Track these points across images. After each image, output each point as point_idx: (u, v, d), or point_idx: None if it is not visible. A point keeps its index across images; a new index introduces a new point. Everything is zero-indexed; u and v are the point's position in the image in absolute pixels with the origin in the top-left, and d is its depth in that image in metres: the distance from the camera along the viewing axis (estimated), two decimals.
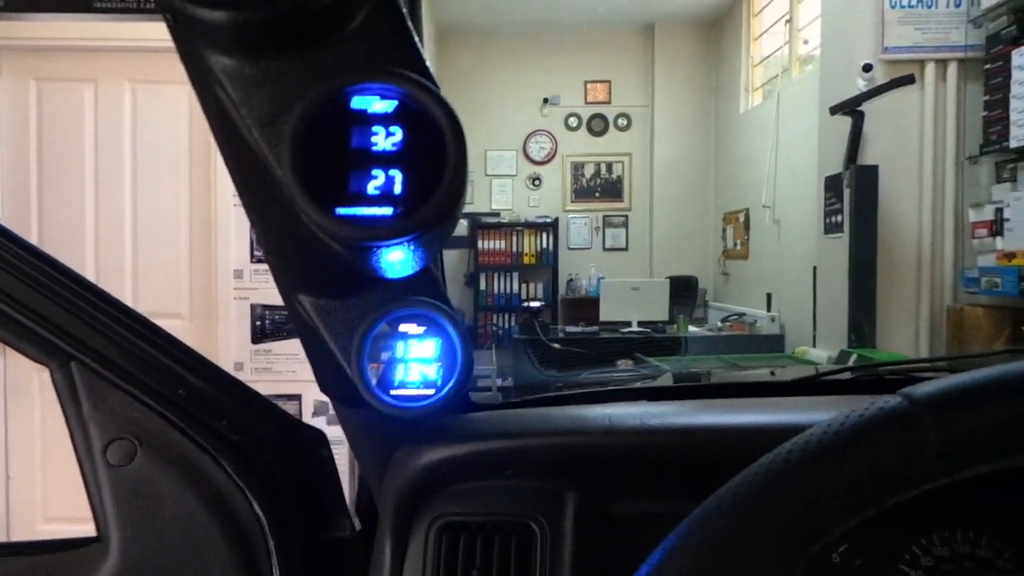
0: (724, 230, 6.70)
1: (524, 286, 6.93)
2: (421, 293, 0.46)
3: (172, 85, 2.54)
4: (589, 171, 7.25)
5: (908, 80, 3.30)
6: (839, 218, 3.74)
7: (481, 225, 6.88)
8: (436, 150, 0.32)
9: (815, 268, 4.24)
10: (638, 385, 0.92)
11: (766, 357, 4.30)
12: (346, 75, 0.32)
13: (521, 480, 0.59)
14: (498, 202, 7.19)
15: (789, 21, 5.48)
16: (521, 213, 7.07)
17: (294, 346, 2.47)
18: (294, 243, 0.40)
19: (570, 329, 5.35)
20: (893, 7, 3.48)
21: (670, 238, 7.07)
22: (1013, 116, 3.02)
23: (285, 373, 2.57)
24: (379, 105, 0.33)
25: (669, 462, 0.57)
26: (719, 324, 5.57)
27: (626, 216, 7.24)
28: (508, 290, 6.90)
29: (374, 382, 0.46)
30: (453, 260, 7.13)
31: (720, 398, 0.72)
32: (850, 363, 2.76)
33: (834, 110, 3.58)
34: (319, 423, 2.44)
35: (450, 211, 0.33)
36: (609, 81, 7.18)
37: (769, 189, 5.55)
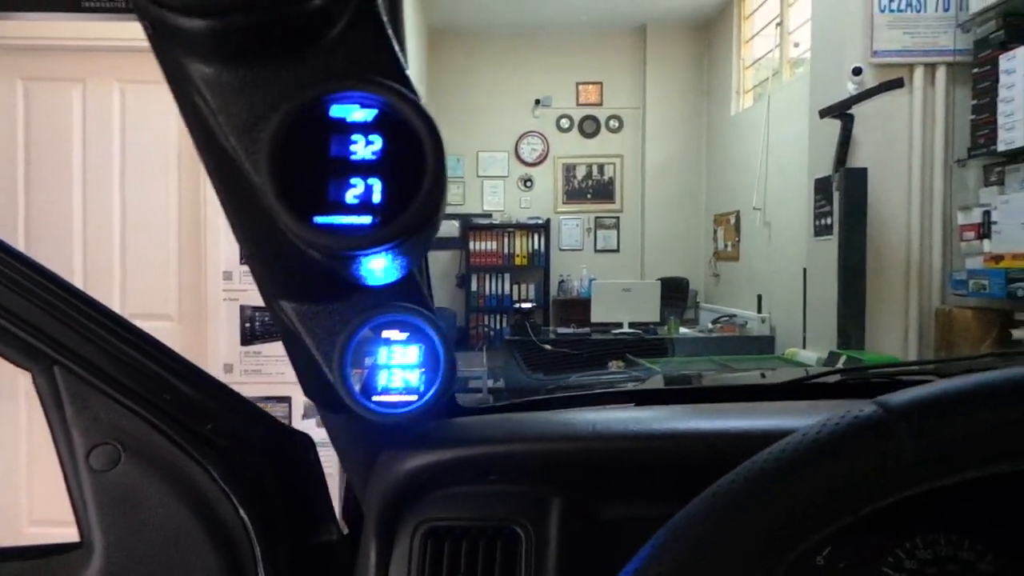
0: (715, 232, 6.72)
1: (516, 287, 6.93)
2: (404, 299, 0.46)
3: (161, 85, 2.47)
4: (581, 172, 7.26)
5: (896, 84, 3.32)
6: (829, 220, 3.76)
7: (472, 226, 6.88)
8: (415, 159, 0.32)
9: (805, 270, 4.27)
10: (626, 388, 0.92)
11: (756, 358, 4.32)
12: (325, 83, 0.32)
13: (506, 485, 0.59)
14: (490, 203, 7.20)
15: (780, 24, 5.51)
16: (513, 214, 7.07)
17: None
18: (274, 249, 0.40)
19: (562, 330, 5.36)
20: (882, 11, 3.50)
21: (661, 239, 7.09)
22: (1000, 120, 3.05)
23: (275, 375, 2.57)
24: (358, 114, 0.33)
25: (654, 467, 0.58)
26: (710, 325, 5.59)
27: (617, 217, 7.25)
28: (500, 291, 6.90)
29: (357, 388, 0.46)
30: (444, 261, 7.13)
31: (708, 402, 0.72)
32: (839, 364, 2.77)
33: (824, 113, 3.60)
34: (309, 425, 2.44)
35: (428, 220, 0.33)
36: (601, 83, 7.19)
37: (760, 191, 5.57)
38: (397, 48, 0.34)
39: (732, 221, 6.27)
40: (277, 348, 2.54)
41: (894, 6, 3.50)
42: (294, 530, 0.68)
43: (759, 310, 5.52)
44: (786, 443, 0.31)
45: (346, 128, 0.33)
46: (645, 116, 7.10)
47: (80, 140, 2.62)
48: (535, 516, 0.58)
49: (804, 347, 4.19)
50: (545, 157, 7.22)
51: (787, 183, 5.06)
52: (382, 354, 0.46)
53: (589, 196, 7.26)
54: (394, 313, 0.45)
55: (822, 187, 3.84)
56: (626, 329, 4.98)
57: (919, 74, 3.52)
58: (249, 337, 2.58)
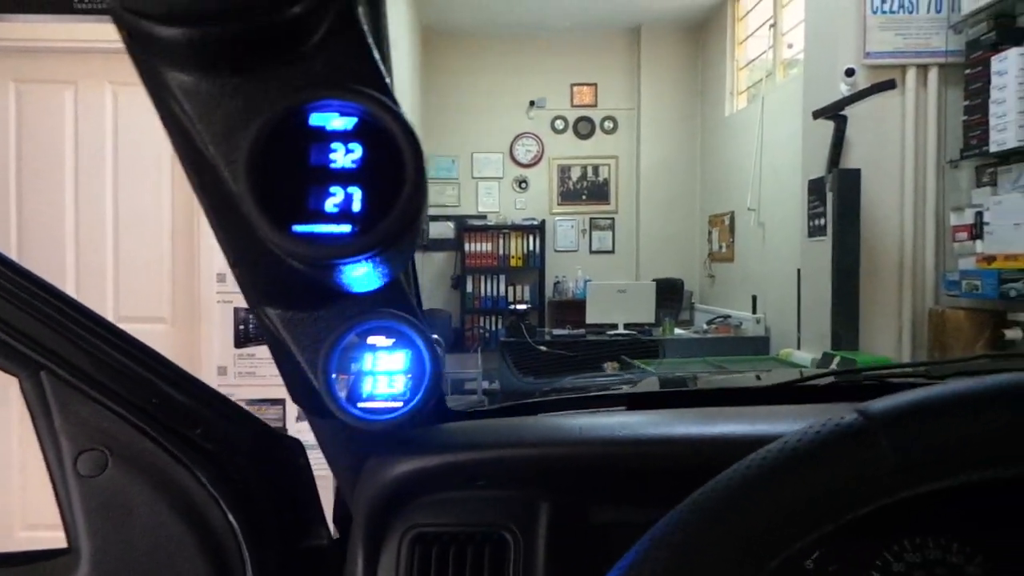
0: (710, 233, 6.73)
1: (511, 288, 6.93)
2: (390, 305, 0.46)
3: None
4: (575, 174, 7.27)
5: (889, 85, 3.33)
6: (822, 221, 3.77)
7: (468, 228, 6.88)
8: (395, 167, 0.32)
9: (799, 271, 4.27)
10: (619, 391, 0.92)
11: (750, 359, 4.32)
12: (304, 92, 0.32)
13: (494, 490, 0.59)
14: (485, 204, 7.20)
15: (773, 25, 5.52)
16: (508, 216, 7.07)
17: None
18: (257, 257, 0.40)
19: (557, 332, 5.36)
20: (875, 12, 3.51)
21: (656, 241, 7.10)
22: (992, 121, 3.06)
23: (269, 377, 2.56)
24: (338, 122, 0.32)
25: (642, 472, 0.58)
26: (705, 326, 5.60)
27: (612, 219, 7.26)
28: (495, 292, 6.90)
29: (342, 394, 0.45)
30: (440, 263, 7.13)
31: (700, 405, 0.72)
32: (833, 365, 2.78)
33: (817, 114, 3.61)
34: (303, 428, 2.43)
35: (408, 228, 0.33)
36: (595, 84, 7.20)
37: (754, 192, 5.59)
38: (378, 56, 0.34)
39: (726, 222, 6.28)
40: None
41: (886, 7, 3.51)
42: (283, 535, 0.68)
43: (754, 311, 5.53)
44: (767, 451, 0.32)
45: (326, 137, 0.33)
46: (640, 117, 7.11)
47: (72, 142, 2.61)
48: (524, 521, 0.57)
49: (799, 348, 4.20)
50: (540, 158, 7.23)
51: (781, 184, 5.08)
52: (367, 360, 0.46)
53: (584, 197, 7.27)
54: (379, 319, 0.45)
55: (815, 188, 3.85)
56: (621, 330, 4.99)
57: (911, 75, 3.53)
58: (243, 339, 2.57)
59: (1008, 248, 3.01)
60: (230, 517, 0.63)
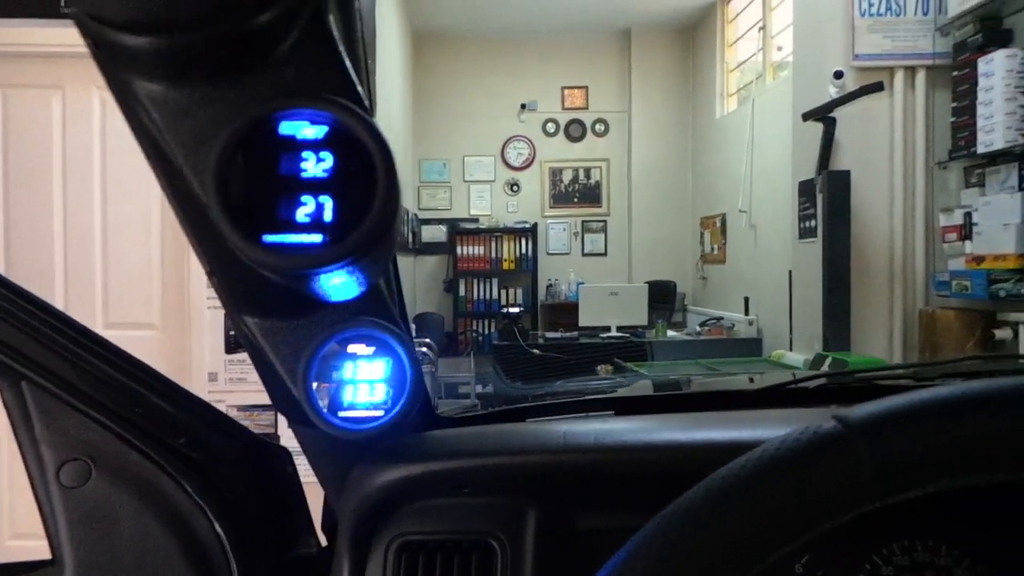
0: (702, 235, 6.75)
1: (504, 291, 6.93)
2: (370, 313, 0.45)
3: None
4: (567, 176, 7.28)
5: (877, 87, 3.35)
6: (813, 223, 3.78)
7: (460, 231, 6.88)
8: (367, 176, 0.32)
9: (791, 272, 4.29)
10: (608, 396, 0.92)
11: (743, 361, 4.33)
12: (274, 101, 0.31)
13: (480, 498, 0.59)
14: (477, 208, 7.20)
15: (763, 28, 5.55)
16: (500, 219, 7.07)
17: None
18: (232, 266, 0.40)
19: (550, 334, 5.36)
20: (863, 15, 3.54)
21: (648, 243, 7.12)
22: (980, 122, 3.08)
23: (260, 383, 2.54)
24: (308, 131, 0.32)
25: (626, 478, 0.57)
26: (698, 328, 5.61)
27: (604, 221, 7.27)
28: (487, 296, 6.90)
29: (323, 403, 0.45)
30: (432, 266, 7.12)
31: (689, 409, 0.72)
32: (824, 366, 2.79)
33: (806, 116, 3.62)
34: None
35: (381, 237, 0.33)
36: (586, 87, 7.21)
37: (745, 194, 5.61)
38: (349, 64, 0.34)
39: (718, 224, 6.30)
40: None
41: (874, 10, 3.53)
42: (271, 544, 0.67)
43: (746, 312, 5.55)
44: (746, 459, 0.31)
45: (296, 146, 0.32)
46: (631, 120, 7.13)
47: (60, 147, 2.59)
48: (510, 529, 0.57)
49: (791, 349, 4.21)
50: (531, 161, 7.23)
51: (772, 186, 5.10)
52: (348, 369, 0.46)
53: (576, 200, 7.28)
54: (359, 328, 0.45)
55: (806, 189, 3.86)
56: (614, 333, 4.99)
57: (899, 77, 3.56)
58: (233, 345, 2.56)
59: (997, 248, 3.03)
60: (217, 527, 0.63)
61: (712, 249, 6.49)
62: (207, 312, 2.54)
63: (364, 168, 0.32)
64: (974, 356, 2.43)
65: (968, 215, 3.24)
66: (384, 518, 0.59)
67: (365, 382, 0.46)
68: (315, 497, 0.71)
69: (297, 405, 0.46)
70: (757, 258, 5.46)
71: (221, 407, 2.49)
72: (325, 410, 0.45)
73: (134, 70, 0.32)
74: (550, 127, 7.23)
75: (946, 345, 3.32)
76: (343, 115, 0.31)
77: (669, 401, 0.86)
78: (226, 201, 0.31)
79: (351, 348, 0.45)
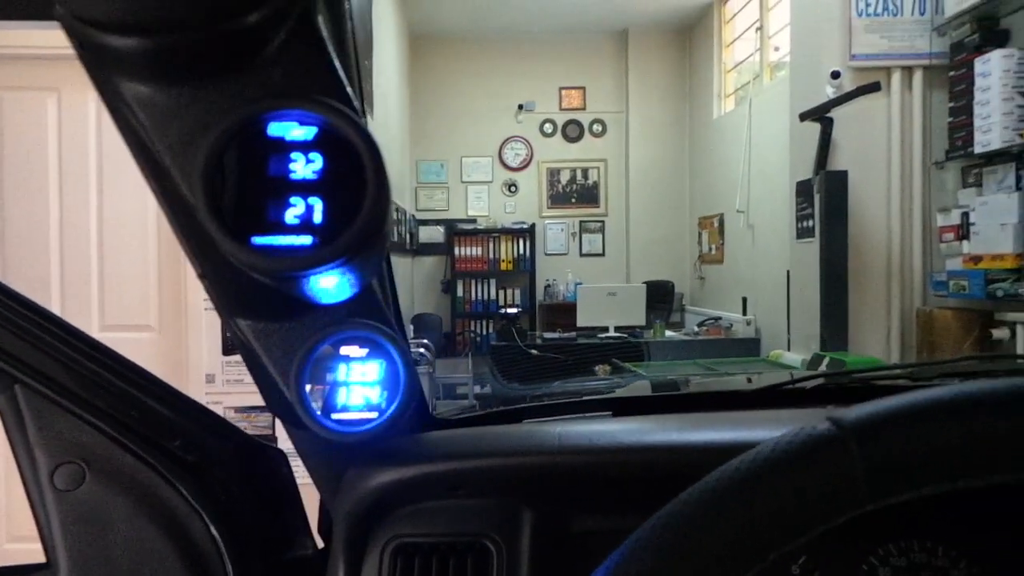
0: (699, 235, 6.75)
1: (501, 292, 6.93)
2: (363, 315, 0.45)
3: None
4: (565, 177, 7.28)
5: (874, 87, 3.35)
6: (810, 223, 3.78)
7: (457, 232, 6.88)
8: (357, 177, 0.32)
9: (788, 272, 4.29)
10: (604, 397, 0.91)
11: (741, 361, 4.33)
12: (262, 102, 0.31)
13: (476, 499, 0.58)
14: (474, 208, 7.19)
15: (760, 28, 5.55)
16: (497, 219, 7.07)
17: None
18: (222, 268, 0.40)
19: (548, 335, 5.36)
20: (860, 15, 3.54)
21: (646, 243, 7.12)
22: (977, 122, 3.08)
23: None
24: (297, 132, 0.32)
25: (621, 479, 0.57)
26: (696, 328, 5.61)
27: (602, 221, 7.27)
28: (485, 296, 6.89)
29: (316, 405, 0.45)
30: (430, 267, 7.12)
31: (687, 409, 0.72)
32: (823, 366, 2.79)
33: (803, 116, 3.63)
34: None
35: (371, 239, 0.32)
36: (584, 87, 7.21)
37: (743, 194, 5.61)
38: (338, 65, 0.34)
39: (716, 224, 6.30)
40: None
41: (871, 10, 3.53)
42: (267, 546, 0.67)
43: (744, 312, 5.55)
44: (740, 460, 0.31)
45: (285, 147, 0.32)
46: (628, 120, 7.13)
47: (56, 150, 2.59)
48: (506, 530, 0.57)
49: (789, 349, 4.21)
50: (529, 162, 7.23)
51: (769, 186, 5.10)
52: (341, 371, 0.46)
53: (573, 200, 7.28)
54: (352, 330, 0.44)
55: (803, 190, 3.86)
56: (612, 333, 4.99)
57: (897, 77, 3.56)
58: (231, 347, 2.55)
59: (994, 248, 3.03)
60: (212, 530, 0.62)
61: (710, 249, 6.49)
62: (204, 314, 2.54)
63: (354, 169, 0.32)
64: (971, 356, 2.43)
65: (965, 215, 3.24)
66: (379, 520, 0.58)
67: (359, 384, 0.46)
68: (312, 499, 0.71)
69: (291, 407, 0.45)
70: (755, 258, 5.46)
71: (218, 409, 2.49)
72: (319, 412, 0.45)
73: (121, 71, 0.32)
74: (547, 128, 7.23)
75: (943, 345, 3.32)
76: (332, 116, 0.31)
77: (666, 402, 0.86)
78: (214, 203, 0.31)
79: (344, 350, 0.45)
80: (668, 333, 5.26)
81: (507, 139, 7.20)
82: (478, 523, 0.58)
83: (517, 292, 6.96)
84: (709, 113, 6.55)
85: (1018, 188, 2.98)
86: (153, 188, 0.37)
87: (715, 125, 6.43)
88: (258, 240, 0.32)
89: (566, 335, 5.17)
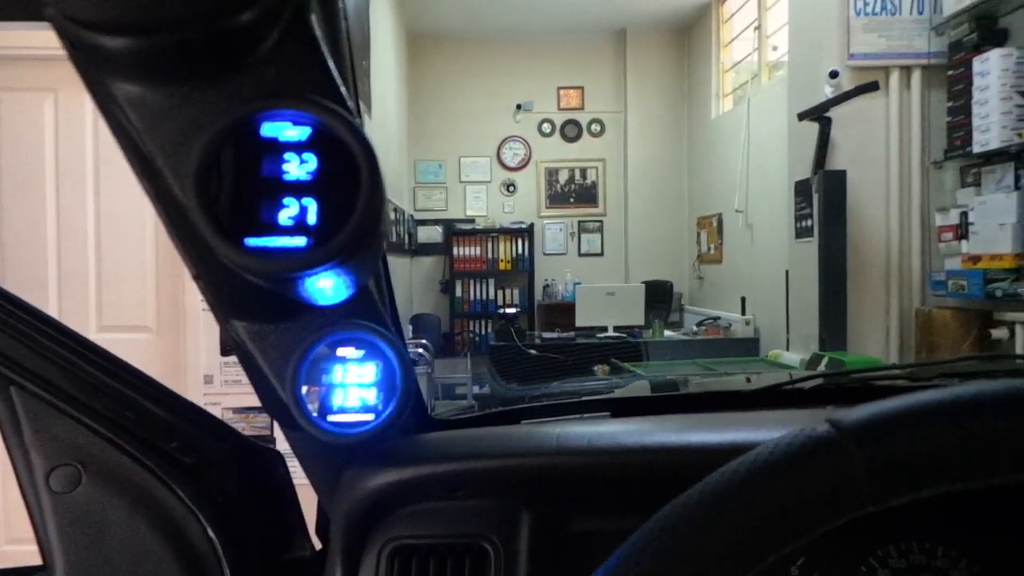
0: (698, 234, 6.75)
1: (500, 292, 6.93)
2: (360, 316, 0.45)
3: None
4: (563, 177, 7.28)
5: (872, 87, 3.36)
6: (809, 222, 3.78)
7: (456, 232, 6.88)
8: (351, 178, 0.31)
9: (787, 272, 4.29)
10: (603, 397, 0.91)
11: (739, 361, 4.33)
12: (255, 102, 0.31)
13: (474, 501, 0.58)
14: (473, 208, 7.19)
15: (758, 28, 5.55)
16: (496, 219, 7.07)
17: None
18: (216, 270, 0.39)
19: (547, 335, 5.36)
20: (858, 14, 3.54)
21: (645, 243, 7.12)
22: (975, 122, 3.08)
23: None
24: (291, 132, 0.32)
25: (619, 481, 0.57)
26: (695, 328, 5.61)
27: (601, 221, 7.27)
28: (484, 296, 6.89)
29: (313, 407, 0.45)
30: (428, 267, 7.12)
31: (686, 410, 0.72)
32: (821, 366, 2.79)
33: (802, 116, 3.63)
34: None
35: (366, 239, 0.32)
36: (582, 87, 7.21)
37: (741, 194, 5.61)
38: (332, 64, 0.33)
39: (715, 223, 6.30)
40: None
41: (869, 9, 3.53)
42: (264, 548, 0.67)
43: (743, 312, 5.55)
44: (739, 462, 0.31)
45: (278, 147, 0.32)
46: (626, 120, 7.13)
47: (53, 150, 2.58)
48: (504, 532, 0.57)
49: (788, 349, 4.21)
50: (527, 161, 7.23)
51: (768, 185, 5.10)
52: (337, 373, 0.45)
53: (572, 200, 7.28)
54: (348, 331, 0.44)
55: (802, 189, 3.86)
56: (611, 333, 4.99)
57: (895, 77, 3.56)
58: (228, 347, 2.55)
59: (993, 248, 3.03)
60: (209, 531, 0.62)
61: (709, 249, 6.49)
62: (202, 314, 2.54)
63: (348, 169, 0.31)
64: (970, 356, 2.43)
65: (964, 215, 3.24)
66: (377, 522, 0.58)
67: (355, 386, 0.46)
68: (309, 500, 0.71)
69: (287, 409, 0.45)
70: (754, 258, 5.46)
71: (216, 410, 2.49)
72: (315, 414, 0.45)
73: (112, 72, 0.32)
74: (546, 127, 7.23)
75: (942, 345, 3.32)
76: (326, 116, 0.31)
77: (665, 402, 0.86)
78: (207, 204, 0.31)
79: (341, 351, 0.45)
80: (667, 333, 5.26)
81: (505, 139, 7.20)
82: (476, 524, 0.57)
83: (516, 292, 6.96)
84: (707, 113, 6.55)
85: (1017, 188, 2.98)
86: (146, 189, 0.37)
87: (713, 125, 6.43)
88: (252, 241, 0.31)
89: (565, 335, 5.17)
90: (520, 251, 6.91)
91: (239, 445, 0.69)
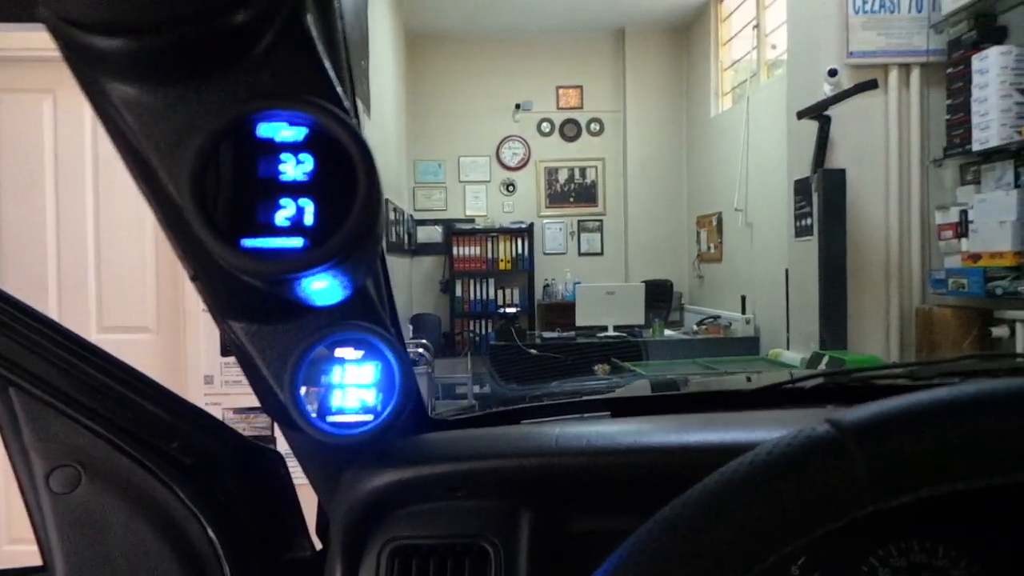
0: (698, 233, 6.75)
1: (500, 292, 6.93)
2: (358, 317, 0.45)
3: None
4: (563, 176, 7.27)
5: (871, 85, 3.35)
6: (809, 221, 3.78)
7: (456, 232, 6.88)
8: (347, 178, 0.31)
9: (787, 270, 4.29)
10: (603, 397, 0.91)
11: (740, 360, 4.33)
12: (250, 102, 0.31)
13: (474, 501, 0.58)
14: (472, 208, 7.19)
15: (757, 26, 5.55)
16: (496, 219, 7.07)
17: None
18: (213, 271, 0.39)
19: (547, 334, 5.37)
20: (857, 12, 3.54)
21: (645, 242, 7.12)
22: (975, 119, 3.08)
23: None
24: (287, 133, 0.31)
25: (618, 481, 0.57)
26: (695, 327, 5.61)
27: (601, 221, 7.27)
28: (484, 296, 6.89)
29: (312, 408, 0.45)
30: (428, 267, 7.12)
31: (686, 410, 0.71)
32: (822, 365, 2.79)
33: (801, 114, 3.63)
34: None
35: (362, 240, 0.32)
36: (581, 86, 7.21)
37: (741, 192, 5.61)
38: (328, 65, 0.33)
39: (714, 222, 6.30)
40: None
41: (868, 7, 3.53)
42: (265, 548, 0.67)
43: (743, 311, 5.55)
44: (739, 462, 0.31)
45: (274, 148, 0.32)
46: (626, 119, 7.13)
47: (52, 152, 2.58)
48: (504, 532, 0.57)
49: (788, 348, 4.21)
50: (527, 161, 7.23)
51: (767, 184, 5.10)
52: (336, 373, 0.45)
53: (572, 200, 7.28)
54: (346, 332, 0.44)
55: (801, 188, 3.86)
56: (611, 332, 4.99)
57: (894, 75, 3.56)
58: (229, 347, 2.55)
59: (993, 246, 3.03)
60: (210, 532, 0.62)
61: (708, 248, 6.49)
62: (202, 315, 2.54)
63: (344, 170, 0.31)
64: (971, 355, 2.43)
65: (964, 213, 3.24)
66: (376, 522, 0.58)
67: (354, 386, 0.46)
68: (310, 500, 0.71)
69: (286, 410, 0.45)
70: (753, 257, 5.46)
71: (217, 410, 2.49)
72: (314, 415, 0.45)
73: (107, 72, 0.31)
74: (545, 127, 7.23)
75: (943, 343, 3.32)
76: (322, 116, 0.31)
77: (665, 402, 0.86)
78: (203, 205, 0.31)
79: (339, 352, 0.45)
80: (667, 332, 5.26)
81: (505, 138, 7.20)
82: (476, 525, 0.57)
83: (516, 292, 6.96)
84: (706, 112, 6.55)
85: (1016, 185, 2.98)
86: (142, 190, 0.37)
87: (712, 123, 6.43)
88: (248, 242, 0.31)
89: (565, 334, 5.17)
90: (520, 251, 6.90)
91: (239, 446, 0.69)
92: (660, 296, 6.19)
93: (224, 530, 0.62)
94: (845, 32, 3.55)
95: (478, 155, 7.18)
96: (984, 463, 0.29)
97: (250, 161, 0.32)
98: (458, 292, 6.87)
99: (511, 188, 7.24)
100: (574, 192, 7.28)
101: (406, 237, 6.42)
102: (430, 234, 7.06)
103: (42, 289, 2.56)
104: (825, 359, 2.96)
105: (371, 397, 0.46)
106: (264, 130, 0.31)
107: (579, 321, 5.08)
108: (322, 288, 0.36)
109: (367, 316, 0.45)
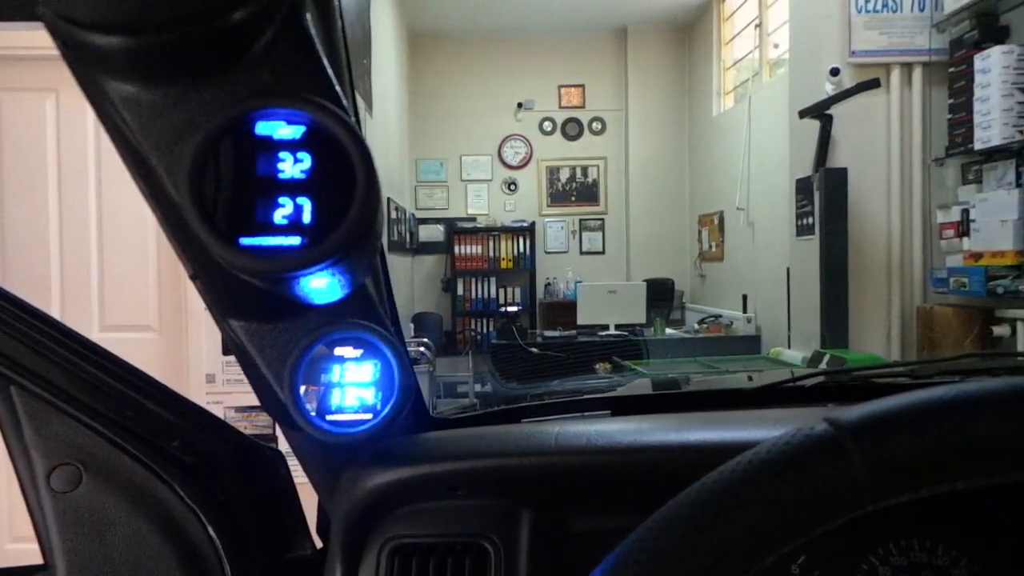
0: (699, 232, 6.74)
1: (502, 290, 6.92)
2: (358, 315, 0.45)
3: None
4: (564, 175, 7.27)
5: (873, 84, 3.35)
6: (810, 220, 3.78)
7: (457, 230, 6.88)
8: (346, 177, 0.31)
9: (788, 269, 4.29)
10: (604, 396, 0.91)
11: (741, 359, 4.33)
12: (249, 101, 0.31)
13: (474, 500, 0.58)
14: (474, 207, 7.19)
15: (759, 26, 5.54)
16: (497, 218, 7.07)
17: None
18: (212, 269, 0.39)
19: (548, 333, 5.36)
20: (859, 12, 3.53)
21: (646, 241, 7.11)
22: (977, 119, 3.08)
23: None
24: (285, 131, 0.31)
25: (617, 480, 0.57)
26: (696, 326, 5.60)
27: (602, 219, 7.27)
28: (486, 295, 6.89)
29: (311, 407, 0.45)
30: (430, 265, 7.12)
31: (687, 408, 0.71)
32: (823, 364, 2.78)
33: (803, 113, 3.62)
34: None
35: (362, 238, 0.32)
36: (583, 85, 7.20)
37: (743, 191, 5.60)
38: (327, 63, 0.33)
39: (716, 221, 6.29)
40: None
41: (871, 6, 3.52)
42: (265, 547, 0.67)
43: (744, 310, 5.55)
44: (737, 462, 0.31)
45: (273, 146, 0.32)
46: (627, 118, 7.12)
47: (54, 151, 2.59)
48: (504, 531, 0.57)
49: (789, 347, 4.21)
50: (529, 160, 7.23)
51: (769, 183, 5.09)
52: (335, 372, 0.45)
53: (573, 198, 7.27)
54: (346, 330, 0.44)
55: (803, 187, 3.86)
56: (612, 331, 4.99)
57: (896, 74, 3.55)
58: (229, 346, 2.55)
59: (995, 245, 3.03)
60: (210, 531, 0.62)
61: (710, 247, 6.48)
62: (204, 314, 2.54)
63: (343, 168, 0.31)
64: (972, 354, 2.43)
65: (965, 212, 3.24)
66: (376, 521, 0.58)
67: (353, 385, 0.46)
68: (310, 499, 0.71)
69: (286, 408, 0.45)
70: (755, 255, 5.46)
71: (219, 409, 2.49)
72: (313, 414, 0.45)
73: (105, 71, 0.31)
74: (547, 126, 7.22)
75: (944, 342, 3.32)
76: (320, 115, 0.31)
77: (666, 400, 0.86)
78: (201, 203, 0.31)
79: (339, 351, 0.45)
80: (668, 331, 5.26)
81: (506, 137, 7.19)
82: (476, 523, 0.57)
83: (517, 290, 6.96)
84: (708, 111, 6.54)
85: (1018, 185, 2.97)
86: (141, 188, 0.37)
87: (714, 123, 6.42)
88: (246, 241, 0.31)
89: (566, 333, 5.17)
90: (521, 249, 6.90)
91: (240, 445, 0.69)
92: (661, 295, 6.18)
93: (224, 529, 0.62)
94: (847, 31, 3.54)
95: (480, 154, 7.18)
96: (984, 463, 0.29)
97: (249, 159, 0.32)
98: (460, 291, 6.87)
99: (513, 187, 7.23)
100: (576, 191, 7.27)
101: (408, 236, 6.42)
102: (432, 233, 7.06)
103: (44, 288, 2.56)
104: (826, 358, 2.95)
105: (370, 396, 0.46)
106: (262, 128, 0.31)
107: (580, 320, 5.08)
108: (321, 286, 0.36)
109: (366, 315, 0.45)
